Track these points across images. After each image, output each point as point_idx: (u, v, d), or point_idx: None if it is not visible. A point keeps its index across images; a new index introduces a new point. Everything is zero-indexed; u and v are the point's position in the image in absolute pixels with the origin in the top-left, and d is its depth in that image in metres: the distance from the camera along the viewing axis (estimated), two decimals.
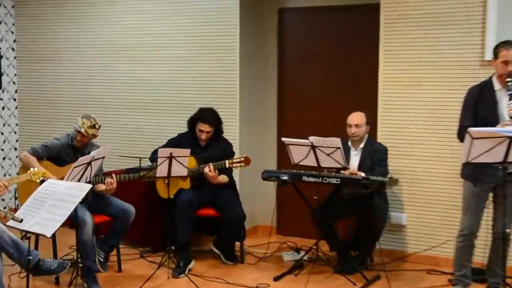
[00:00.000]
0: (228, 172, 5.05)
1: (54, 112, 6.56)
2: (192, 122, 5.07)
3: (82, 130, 4.64)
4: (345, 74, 5.62)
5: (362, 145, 4.87)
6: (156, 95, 6.06)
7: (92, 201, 4.67)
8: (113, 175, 4.67)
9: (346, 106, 5.20)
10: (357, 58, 5.54)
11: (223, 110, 5.35)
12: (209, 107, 5.11)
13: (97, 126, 4.73)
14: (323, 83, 5.73)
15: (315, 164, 4.58)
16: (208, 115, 4.98)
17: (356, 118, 4.84)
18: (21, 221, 3.41)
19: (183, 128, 5.26)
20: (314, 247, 4.89)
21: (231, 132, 5.55)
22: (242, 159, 4.84)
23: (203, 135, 4.99)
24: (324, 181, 4.59)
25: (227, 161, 4.83)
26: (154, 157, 4.83)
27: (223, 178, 5.01)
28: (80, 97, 6.42)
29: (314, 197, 4.66)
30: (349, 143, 4.91)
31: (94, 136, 4.74)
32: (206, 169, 4.81)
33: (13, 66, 6.75)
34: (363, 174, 4.63)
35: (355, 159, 4.87)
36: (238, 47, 5.60)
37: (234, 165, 4.85)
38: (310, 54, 5.78)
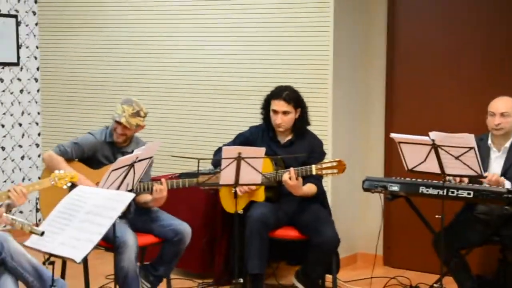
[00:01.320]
0: (317, 180, 5.04)
1: (89, 97, 6.71)
2: (266, 106, 5.10)
3: (123, 120, 4.72)
4: (486, 53, 5.60)
5: (508, 144, 4.84)
6: (224, 76, 6.13)
7: (136, 216, 4.77)
8: (163, 180, 4.74)
9: (483, 94, 5.18)
10: (504, 29, 5.54)
11: (310, 98, 5.36)
12: (287, 85, 5.14)
13: (142, 114, 4.79)
14: (452, 63, 5.73)
15: (437, 171, 4.55)
16: (283, 91, 4.99)
17: (503, 105, 4.79)
18: (42, 234, 3.46)
19: (257, 120, 5.29)
20: (436, 285, 4.82)
21: (321, 126, 5.58)
22: (335, 163, 4.82)
23: (278, 118, 4.99)
24: (450, 194, 4.56)
25: (313, 166, 4.82)
26: (217, 158, 4.90)
27: (310, 188, 5.01)
28: (123, 78, 6.54)
29: (437, 216, 4.60)
30: (489, 141, 4.89)
31: (140, 127, 4.81)
32: (286, 176, 4.81)
33: (34, 36, 6.94)
34: (508, 185, 4.55)
35: (497, 163, 4.84)
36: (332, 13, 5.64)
37: (324, 171, 4.83)
38: (435, 23, 5.80)
